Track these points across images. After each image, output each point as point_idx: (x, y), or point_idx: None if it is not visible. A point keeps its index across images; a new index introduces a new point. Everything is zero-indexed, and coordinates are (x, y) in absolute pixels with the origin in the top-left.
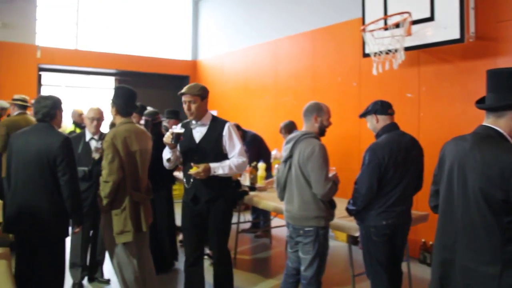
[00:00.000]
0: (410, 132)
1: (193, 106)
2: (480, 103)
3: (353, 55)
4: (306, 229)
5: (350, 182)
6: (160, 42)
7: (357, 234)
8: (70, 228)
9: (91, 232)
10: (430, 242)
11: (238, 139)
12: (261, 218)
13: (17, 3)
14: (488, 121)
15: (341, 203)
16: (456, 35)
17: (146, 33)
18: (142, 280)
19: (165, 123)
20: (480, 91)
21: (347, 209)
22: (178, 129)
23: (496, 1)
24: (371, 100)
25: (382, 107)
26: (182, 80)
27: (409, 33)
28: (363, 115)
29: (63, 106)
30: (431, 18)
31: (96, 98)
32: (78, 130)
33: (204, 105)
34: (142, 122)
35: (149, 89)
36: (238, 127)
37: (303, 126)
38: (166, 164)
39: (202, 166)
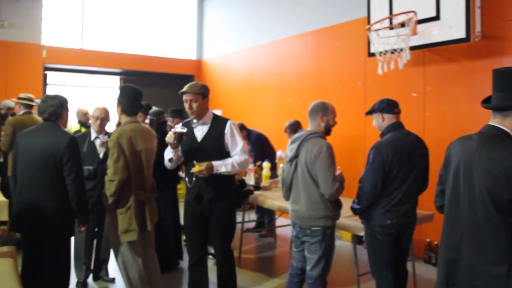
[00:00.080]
0: (415, 132)
1: (194, 105)
2: (486, 102)
3: (358, 55)
4: (313, 228)
5: (355, 181)
6: (165, 41)
7: (362, 233)
8: (75, 227)
9: (96, 230)
10: (435, 242)
11: (240, 137)
12: (266, 217)
13: (23, 3)
14: (495, 120)
15: (346, 202)
16: (462, 35)
17: (151, 33)
18: (147, 279)
19: (169, 122)
20: (486, 90)
21: (352, 208)
22: (180, 128)
23: (502, 0)
24: (376, 99)
25: (388, 106)
26: (187, 79)
27: (414, 33)
28: (369, 112)
29: (69, 105)
30: (436, 17)
31: (101, 98)
32: (83, 130)
33: (205, 103)
34: (147, 121)
35: (154, 89)
36: (243, 127)
37: (308, 126)
38: (167, 164)
39: (204, 164)
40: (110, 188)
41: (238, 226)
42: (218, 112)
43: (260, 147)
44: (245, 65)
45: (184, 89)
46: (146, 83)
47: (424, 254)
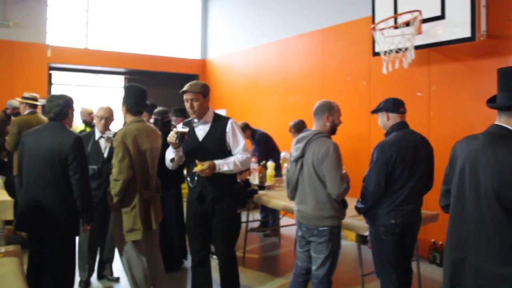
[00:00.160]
0: (420, 131)
1: (195, 104)
2: (492, 102)
3: (363, 54)
4: (321, 228)
5: (359, 180)
6: (169, 41)
7: (366, 233)
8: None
9: (100, 230)
10: (440, 242)
11: (241, 135)
12: (270, 217)
13: (28, 3)
14: (501, 120)
15: (350, 202)
16: (467, 34)
17: (156, 32)
18: (151, 278)
19: (173, 121)
20: (492, 90)
21: (356, 208)
22: (181, 128)
23: None
24: (380, 99)
25: (394, 105)
26: (191, 79)
27: (419, 32)
28: (375, 111)
29: (74, 105)
30: (441, 17)
31: (105, 97)
32: (88, 129)
33: (206, 102)
34: (152, 120)
35: (158, 88)
36: (247, 126)
37: (313, 125)
38: (169, 164)
39: (207, 163)
40: (115, 187)
41: (243, 225)
42: (223, 112)
43: (265, 147)
44: (249, 64)
45: (185, 88)
46: (150, 83)
47: (429, 254)
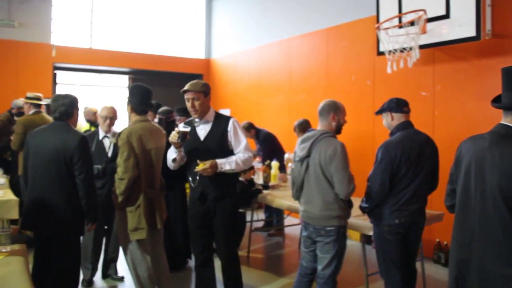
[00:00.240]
0: (424, 131)
1: (196, 103)
2: (496, 101)
3: (367, 53)
4: (328, 228)
5: (364, 180)
6: (173, 40)
7: (370, 233)
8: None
9: (105, 229)
10: (445, 242)
11: (243, 134)
12: (274, 216)
13: (33, 3)
14: (506, 119)
15: (355, 202)
16: (472, 33)
17: (160, 32)
18: (156, 277)
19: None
20: (497, 89)
21: (360, 207)
22: (183, 127)
23: None
24: (385, 98)
25: (398, 105)
26: (195, 78)
27: (424, 31)
28: (379, 112)
29: (79, 104)
30: (446, 16)
31: (110, 97)
32: (93, 129)
33: (207, 101)
34: (156, 120)
35: (162, 88)
36: (251, 126)
37: (318, 125)
38: (170, 164)
39: (208, 163)
40: (120, 187)
41: (247, 225)
42: (227, 111)
43: (269, 146)
44: (253, 64)
45: (186, 87)
46: (154, 82)
47: (433, 254)
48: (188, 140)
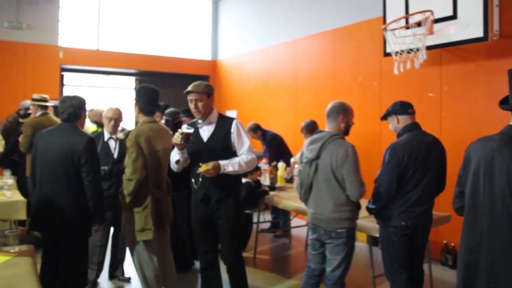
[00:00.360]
0: (431, 132)
1: (199, 104)
2: (504, 103)
3: (374, 54)
4: (339, 230)
5: (371, 181)
6: (180, 42)
7: (377, 234)
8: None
9: (112, 230)
10: (452, 244)
11: (246, 135)
12: (281, 218)
13: (41, 5)
14: None
15: (362, 203)
16: (480, 33)
17: (166, 34)
18: (162, 278)
19: None
20: (504, 90)
21: (367, 208)
22: (186, 129)
23: None
24: (392, 100)
25: (402, 107)
26: (202, 80)
27: (431, 32)
28: (384, 117)
29: (86, 106)
30: (453, 16)
31: (117, 98)
32: (100, 130)
33: (210, 103)
34: (163, 121)
35: (169, 89)
36: (258, 127)
37: (326, 126)
38: (174, 166)
39: (211, 164)
40: (128, 187)
41: (253, 226)
42: (233, 112)
43: (275, 148)
44: (260, 65)
45: (189, 88)
46: (161, 84)
47: (440, 256)
48: (191, 142)
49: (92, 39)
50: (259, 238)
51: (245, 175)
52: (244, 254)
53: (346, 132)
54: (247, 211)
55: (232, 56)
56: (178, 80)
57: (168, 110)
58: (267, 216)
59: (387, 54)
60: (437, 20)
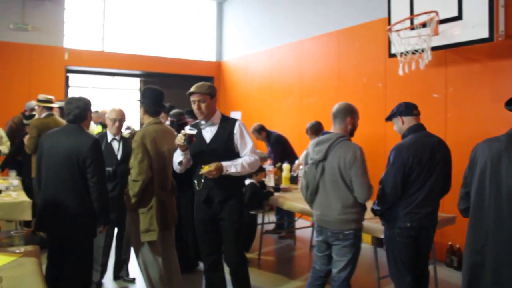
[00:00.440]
0: (436, 133)
1: (202, 105)
2: (510, 104)
3: (379, 56)
4: (346, 232)
5: (376, 182)
6: (184, 43)
7: (382, 236)
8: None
9: (116, 231)
10: (457, 245)
11: (249, 137)
12: (285, 219)
13: (46, 6)
14: None
15: (367, 204)
16: (485, 34)
17: (171, 35)
18: (167, 279)
19: None
20: (510, 91)
21: (372, 209)
22: (189, 130)
23: None
24: (396, 101)
25: (407, 109)
26: (206, 81)
27: (436, 33)
28: (389, 118)
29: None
30: (459, 17)
31: (121, 99)
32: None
33: (213, 104)
34: (168, 122)
35: (174, 90)
36: (262, 128)
37: (332, 127)
38: (177, 167)
39: (214, 165)
40: (133, 188)
41: (258, 227)
42: (238, 114)
43: (280, 149)
44: (264, 66)
45: (192, 89)
46: (166, 85)
47: (446, 257)
48: (194, 143)
49: (97, 40)
50: (264, 239)
51: (249, 176)
52: (249, 255)
53: (351, 133)
54: (252, 212)
55: (236, 57)
56: (183, 81)
57: (173, 111)
58: (271, 217)
59: (392, 55)
60: (442, 21)
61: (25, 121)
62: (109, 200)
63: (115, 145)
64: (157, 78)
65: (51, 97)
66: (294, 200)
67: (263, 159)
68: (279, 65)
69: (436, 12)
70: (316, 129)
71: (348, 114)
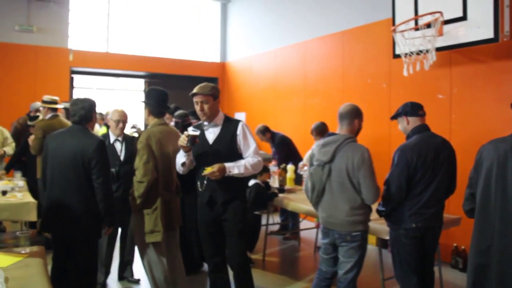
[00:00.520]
0: (441, 134)
1: (205, 107)
2: None
3: (383, 56)
4: (354, 234)
5: (380, 183)
6: (189, 44)
7: (387, 237)
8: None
9: (120, 232)
10: (462, 247)
11: (252, 138)
12: (290, 220)
13: (51, 8)
14: None
15: (372, 206)
16: (490, 35)
17: (175, 36)
18: (172, 280)
19: None
20: None
21: (377, 211)
22: (192, 131)
23: None
24: (401, 101)
25: (412, 109)
26: (211, 82)
27: (440, 33)
28: (394, 117)
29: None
30: (463, 18)
31: (126, 100)
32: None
33: (216, 105)
34: (172, 123)
35: (178, 91)
36: (267, 129)
37: (338, 128)
38: (180, 169)
39: (216, 166)
40: (139, 189)
41: (262, 228)
42: (242, 115)
43: (284, 150)
44: (268, 67)
45: (195, 90)
46: (170, 86)
47: (451, 258)
48: (196, 144)
49: (102, 41)
50: (268, 240)
51: (254, 176)
52: (253, 256)
53: (356, 134)
54: (256, 212)
55: (240, 58)
56: (187, 82)
57: (177, 112)
58: (276, 218)
59: (396, 56)
60: (447, 21)
61: (30, 122)
62: (113, 202)
63: (118, 146)
64: (161, 79)
65: (56, 98)
66: (298, 201)
67: (267, 160)
68: (283, 66)
69: (440, 12)
70: (321, 130)
71: (357, 116)
